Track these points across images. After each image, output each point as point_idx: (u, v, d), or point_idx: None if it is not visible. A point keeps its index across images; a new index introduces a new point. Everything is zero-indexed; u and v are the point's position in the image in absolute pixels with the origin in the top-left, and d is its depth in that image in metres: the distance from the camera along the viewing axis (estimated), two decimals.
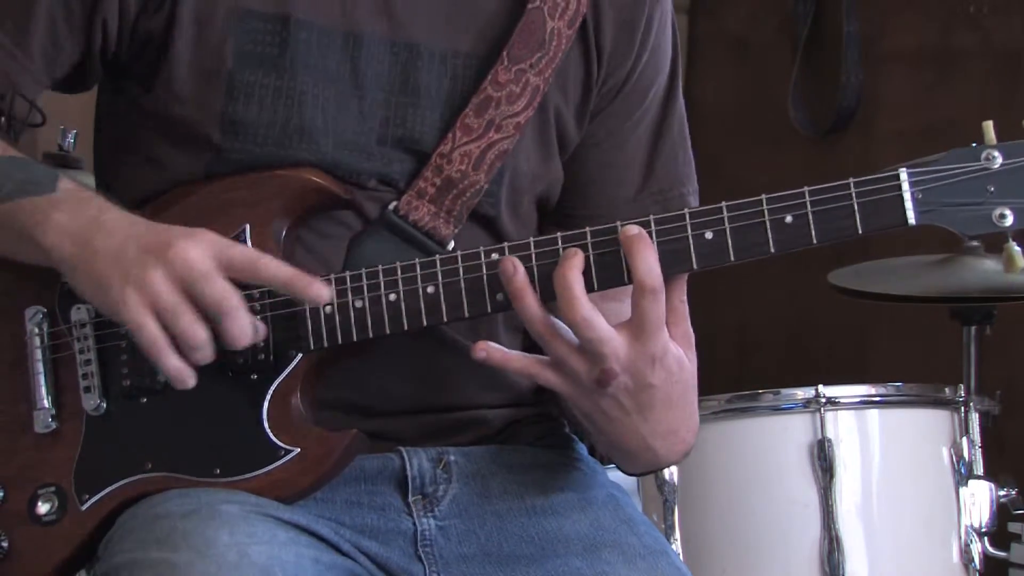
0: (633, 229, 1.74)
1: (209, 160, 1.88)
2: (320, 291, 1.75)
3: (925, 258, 3.33)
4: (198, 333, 1.73)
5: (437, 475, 1.92)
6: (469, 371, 1.92)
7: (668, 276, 1.75)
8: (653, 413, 1.80)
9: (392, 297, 1.79)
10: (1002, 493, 3.10)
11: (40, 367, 1.87)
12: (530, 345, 1.83)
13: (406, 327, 1.79)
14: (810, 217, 1.73)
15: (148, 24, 1.88)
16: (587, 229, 1.76)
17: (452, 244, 1.89)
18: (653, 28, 2.00)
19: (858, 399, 3.04)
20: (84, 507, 1.84)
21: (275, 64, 1.86)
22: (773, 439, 3.04)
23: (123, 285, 1.73)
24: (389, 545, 1.87)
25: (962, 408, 3.11)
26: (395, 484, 1.90)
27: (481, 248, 1.79)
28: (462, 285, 1.78)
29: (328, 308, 1.80)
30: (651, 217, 1.76)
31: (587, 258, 1.75)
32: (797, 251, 1.76)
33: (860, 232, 1.73)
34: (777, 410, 3.04)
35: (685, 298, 1.84)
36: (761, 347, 4.59)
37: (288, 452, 1.80)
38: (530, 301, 1.74)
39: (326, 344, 1.81)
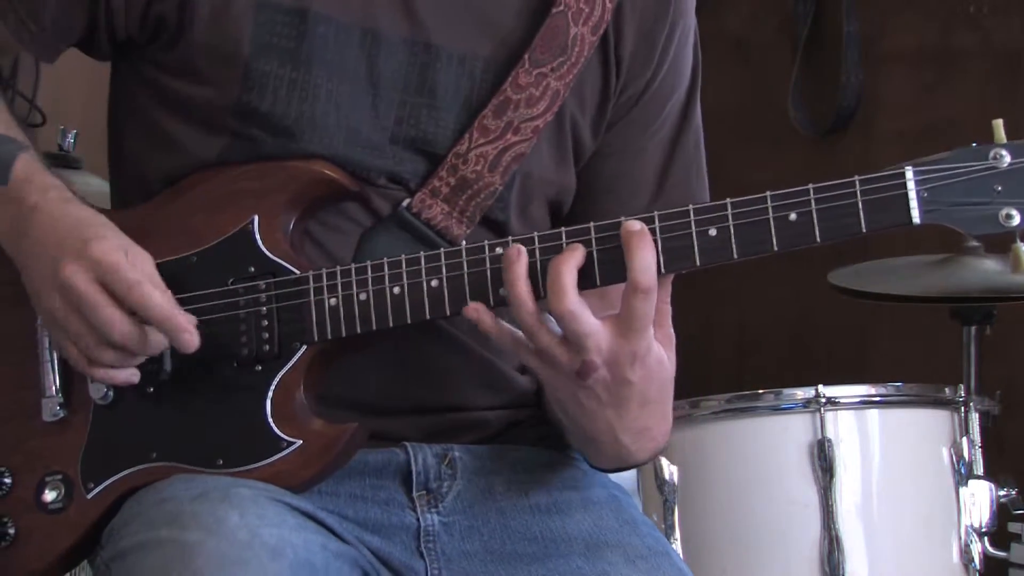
0: (635, 225, 1.73)
1: (223, 145, 1.88)
2: (190, 340, 1.79)
3: (925, 258, 3.33)
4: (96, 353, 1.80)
5: (442, 471, 1.92)
6: (470, 372, 1.94)
7: (671, 272, 1.75)
8: (628, 409, 1.79)
9: (396, 290, 1.79)
10: (1002, 493, 3.10)
11: (48, 355, 1.88)
12: None
13: (409, 320, 1.80)
14: (814, 215, 1.71)
15: (160, 8, 1.88)
16: (591, 224, 1.76)
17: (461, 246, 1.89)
18: (674, 41, 1.99)
19: (858, 399, 3.04)
20: (90, 495, 1.85)
21: (291, 56, 1.87)
22: (773, 439, 3.04)
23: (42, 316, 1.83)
24: (391, 540, 1.87)
25: (962, 408, 3.11)
26: (400, 479, 1.90)
27: (486, 242, 1.79)
28: (466, 279, 1.78)
29: (333, 300, 1.81)
30: (655, 213, 1.75)
31: (590, 253, 1.75)
32: (798, 250, 1.75)
33: (864, 231, 1.71)
34: (777, 410, 3.05)
35: (669, 300, 1.83)
36: (761, 347, 4.58)
37: (291, 444, 1.80)
38: (523, 289, 1.73)
39: (330, 336, 1.81)
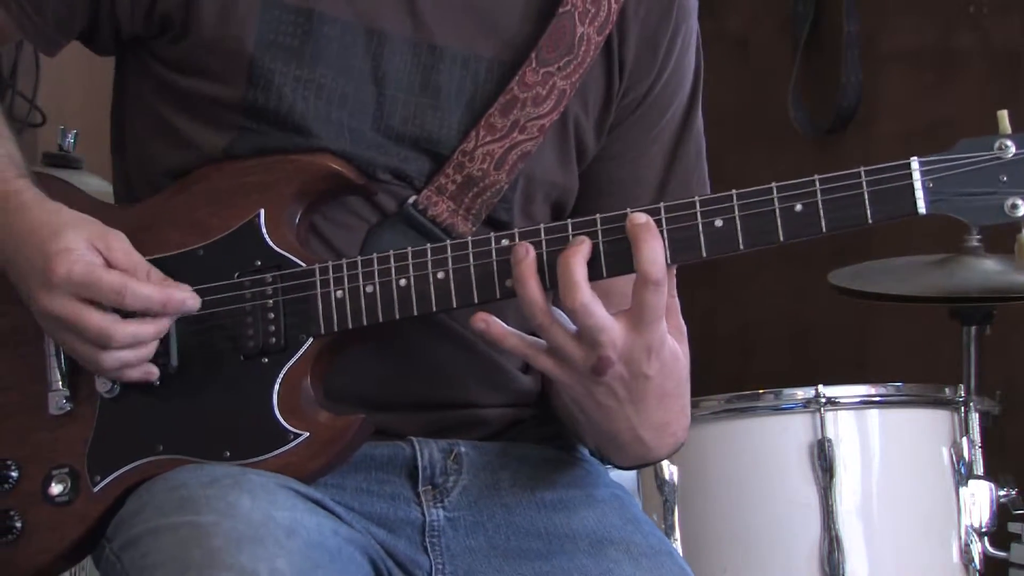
0: (641, 218, 1.74)
1: (230, 140, 1.88)
2: (194, 304, 1.81)
3: (925, 258, 3.33)
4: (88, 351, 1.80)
5: (448, 466, 1.92)
6: (472, 369, 1.94)
7: (678, 264, 1.75)
8: (646, 404, 1.80)
9: (403, 282, 1.80)
10: (1002, 493, 3.10)
11: (54, 349, 1.88)
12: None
13: (415, 312, 1.80)
14: (820, 205, 1.72)
15: (166, 6, 1.88)
16: (597, 216, 1.76)
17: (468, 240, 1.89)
18: (677, 46, 1.99)
19: (858, 399, 3.05)
20: (96, 488, 1.85)
21: (297, 55, 1.87)
22: (773, 439, 3.04)
23: (35, 311, 1.82)
24: (397, 534, 1.87)
25: (962, 408, 3.11)
26: (405, 474, 1.90)
27: (492, 234, 1.79)
28: (472, 271, 1.79)
29: (340, 293, 1.81)
30: (661, 205, 1.75)
31: (596, 245, 1.75)
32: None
33: (870, 221, 1.71)
34: (777, 410, 3.05)
35: (676, 293, 1.84)
36: (761, 347, 4.59)
37: (297, 436, 1.80)
38: (533, 286, 1.74)
39: (336, 328, 1.81)
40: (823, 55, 4.47)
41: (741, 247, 1.74)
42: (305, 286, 1.82)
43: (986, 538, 3.07)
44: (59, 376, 1.88)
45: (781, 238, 1.74)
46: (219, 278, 1.85)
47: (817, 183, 1.72)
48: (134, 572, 1.73)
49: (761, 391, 3.06)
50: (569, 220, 1.77)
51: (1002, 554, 3.15)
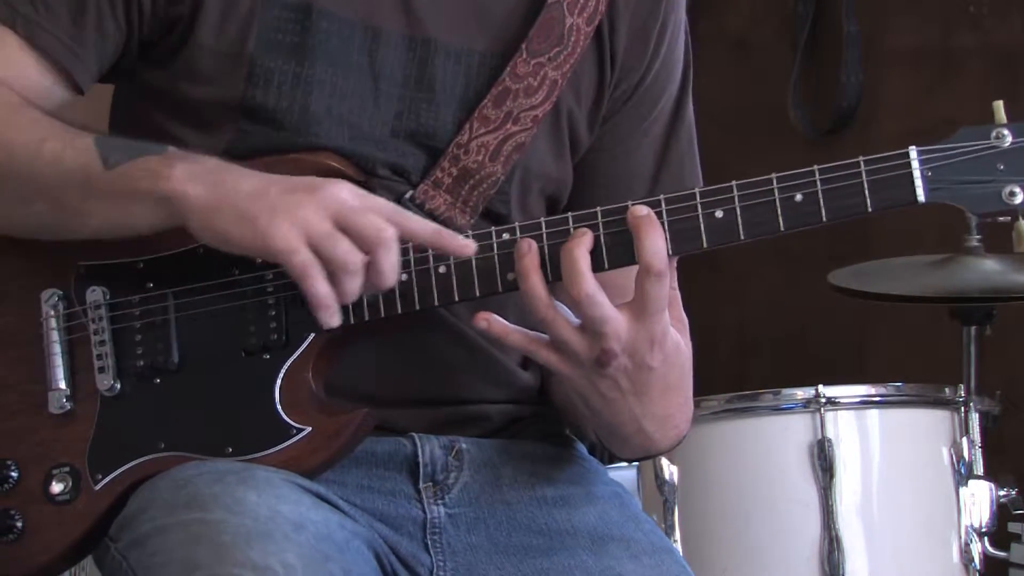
0: (642, 210, 1.75)
1: (228, 141, 1.88)
2: (466, 245, 1.76)
3: (925, 258, 3.33)
4: (355, 256, 1.71)
5: (449, 462, 1.92)
6: (472, 365, 1.94)
7: (679, 254, 1.76)
8: (649, 396, 1.80)
9: (404, 277, 1.80)
10: (1002, 493, 3.11)
11: (56, 348, 1.87)
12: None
13: (417, 306, 1.80)
14: (820, 195, 1.73)
15: (175, 10, 1.88)
16: (598, 208, 1.77)
17: (468, 235, 1.89)
18: (666, 36, 2.00)
19: (858, 399, 3.06)
20: (98, 487, 1.84)
21: (295, 51, 1.87)
22: (773, 439, 3.05)
23: (271, 217, 1.71)
24: (398, 531, 1.87)
25: (962, 408, 3.12)
26: (406, 470, 1.90)
27: (493, 228, 1.80)
28: (473, 264, 1.79)
29: None
30: (662, 196, 1.76)
31: (597, 237, 1.75)
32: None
33: (870, 210, 1.73)
34: (777, 410, 3.06)
35: (677, 285, 1.85)
36: (761, 347, 4.59)
37: (299, 431, 1.80)
38: (536, 281, 1.74)
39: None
40: (823, 55, 4.47)
41: (742, 237, 1.75)
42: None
43: (986, 538, 3.07)
44: (60, 375, 1.87)
45: (782, 227, 1.75)
46: (219, 275, 1.84)
47: (817, 173, 1.74)
48: (141, 571, 1.73)
49: (761, 391, 3.07)
50: (569, 214, 1.78)
51: (1002, 554, 3.15)
